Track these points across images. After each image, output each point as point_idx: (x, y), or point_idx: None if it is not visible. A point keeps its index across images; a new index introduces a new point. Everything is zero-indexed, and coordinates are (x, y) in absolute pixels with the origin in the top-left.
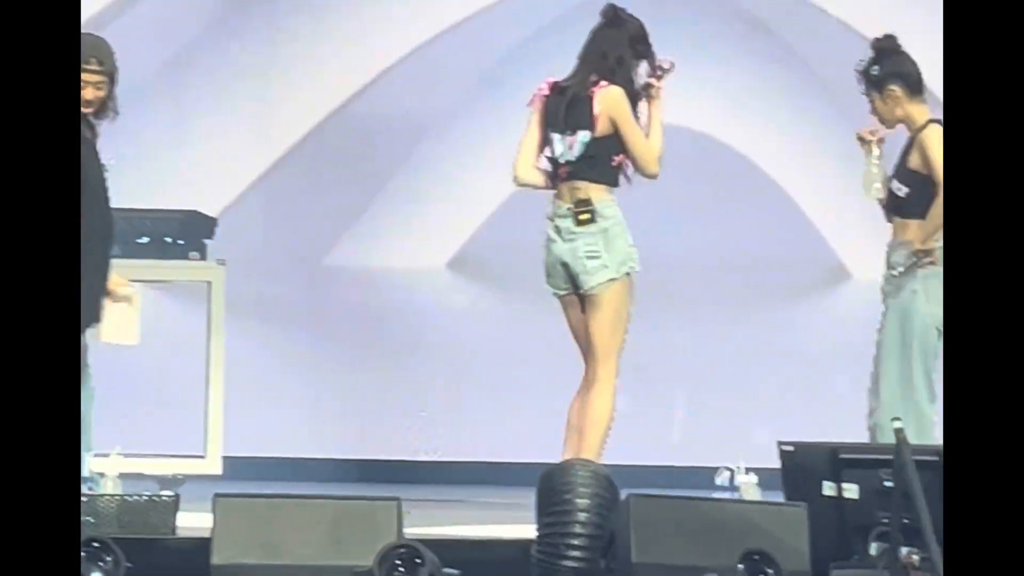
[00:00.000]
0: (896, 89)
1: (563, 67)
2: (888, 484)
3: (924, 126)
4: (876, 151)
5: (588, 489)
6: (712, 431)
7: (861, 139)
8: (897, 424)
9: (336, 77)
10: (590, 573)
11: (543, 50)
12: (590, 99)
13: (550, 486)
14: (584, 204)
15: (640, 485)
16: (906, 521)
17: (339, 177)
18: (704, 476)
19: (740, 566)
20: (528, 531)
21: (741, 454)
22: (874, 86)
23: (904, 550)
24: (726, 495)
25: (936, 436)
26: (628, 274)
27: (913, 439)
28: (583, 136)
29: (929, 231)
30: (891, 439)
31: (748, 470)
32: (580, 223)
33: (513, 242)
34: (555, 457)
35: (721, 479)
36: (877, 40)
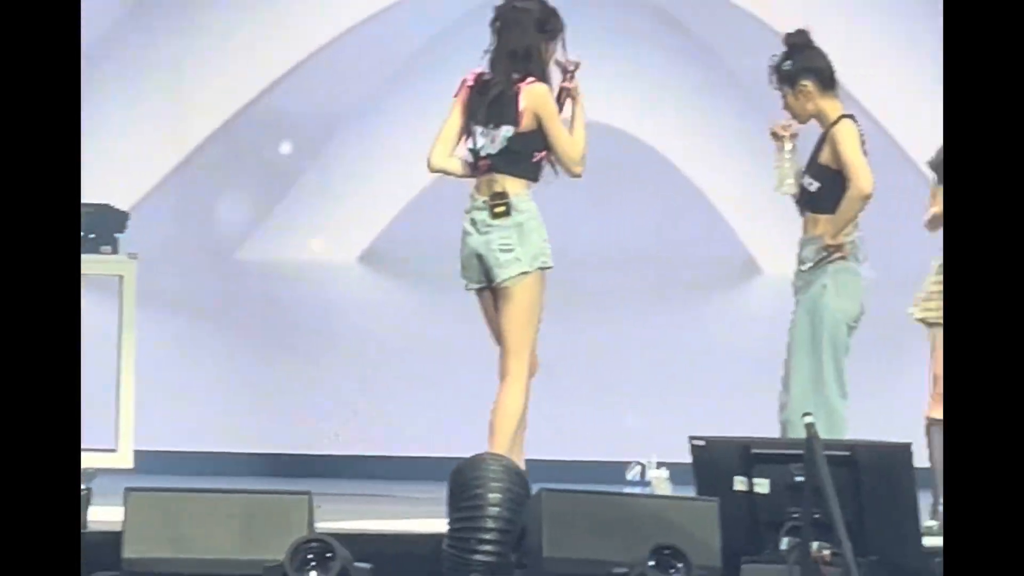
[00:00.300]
0: (808, 84)
1: (472, 62)
2: (799, 479)
3: (836, 121)
4: (788, 146)
5: (499, 483)
6: (623, 426)
7: (774, 134)
8: (808, 419)
9: (247, 72)
10: (501, 567)
11: (452, 46)
12: (516, 94)
13: (461, 481)
14: (500, 197)
15: (551, 480)
16: (817, 516)
17: (251, 171)
18: (615, 471)
19: (650, 561)
20: (440, 525)
21: (652, 449)
22: (786, 81)
23: (815, 545)
24: (637, 490)
25: (846, 431)
26: (541, 269)
27: (824, 434)
28: (506, 131)
29: (839, 226)
30: (802, 434)
31: (659, 465)
32: (495, 216)
33: (425, 236)
34: (467, 451)
35: (632, 474)
36: (789, 35)
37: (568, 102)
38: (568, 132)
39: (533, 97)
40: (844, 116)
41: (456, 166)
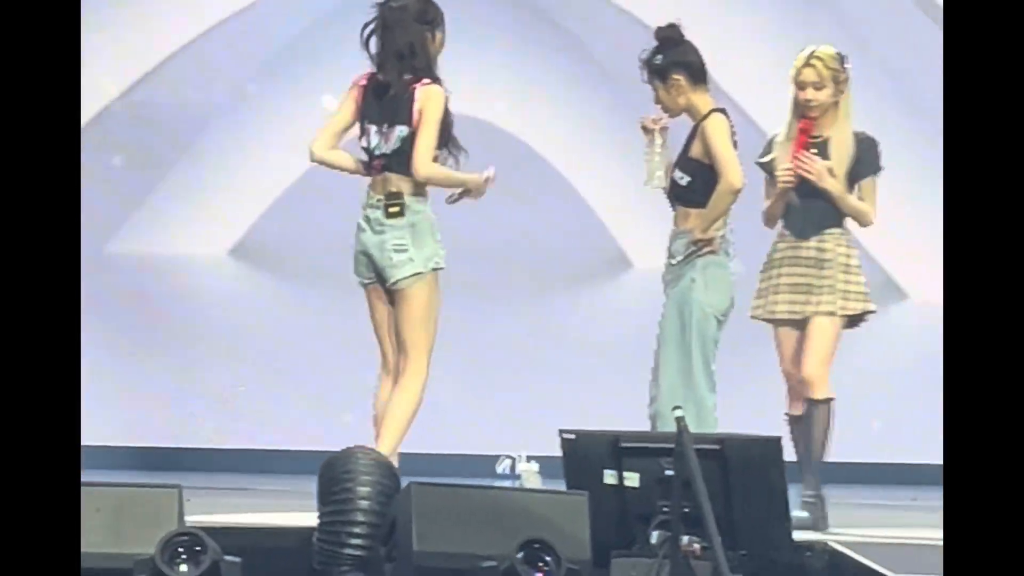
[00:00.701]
0: (680, 78)
1: (341, 58)
2: (669, 473)
3: (707, 115)
4: (659, 140)
5: (369, 477)
6: (493, 419)
7: (644, 128)
8: (678, 413)
9: (115, 66)
10: (371, 561)
11: (321, 40)
12: (411, 95)
13: (331, 474)
14: (395, 197)
15: (422, 473)
16: (686, 509)
17: (121, 164)
18: (486, 464)
19: (519, 554)
20: (310, 519)
21: (522, 442)
22: (658, 75)
23: (685, 538)
24: (507, 483)
25: (716, 424)
26: (435, 270)
27: (693, 427)
28: (400, 131)
29: (710, 220)
30: (672, 428)
31: (529, 458)
32: (390, 215)
33: (295, 230)
34: (338, 445)
35: (502, 467)
36: (660, 29)
37: None
38: (429, 143)
39: (424, 98)
40: (715, 110)
41: (337, 159)
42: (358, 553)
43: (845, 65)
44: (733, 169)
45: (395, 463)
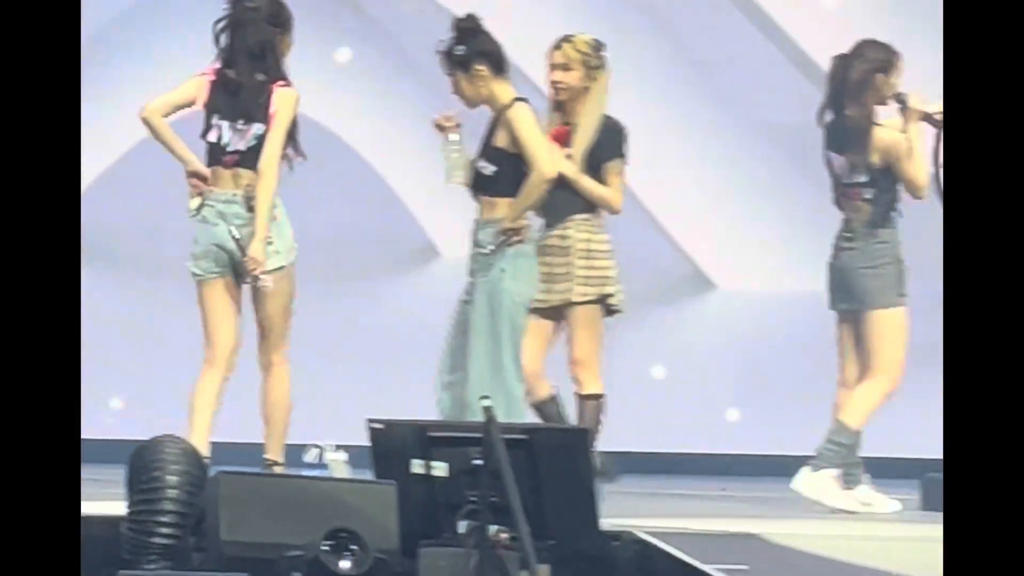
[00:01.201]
0: (483, 68)
1: (153, 46)
2: (477, 462)
3: (510, 105)
4: (454, 136)
5: (177, 466)
6: (302, 408)
7: (438, 126)
8: (486, 402)
9: None
10: (179, 550)
11: (134, 29)
12: (269, 95)
13: (140, 464)
14: (254, 192)
15: (233, 462)
16: (494, 499)
17: None
18: (293, 453)
19: (326, 544)
20: (119, 508)
21: (331, 432)
22: (460, 66)
23: (493, 528)
24: (315, 473)
25: (524, 415)
26: (292, 263)
27: (502, 417)
28: (257, 129)
29: (520, 209)
30: (480, 417)
31: (338, 447)
32: (252, 210)
33: (111, 220)
34: (147, 434)
35: (310, 456)
36: (460, 20)
37: None
38: (280, 144)
39: (280, 100)
40: (518, 99)
41: (167, 132)
42: (166, 542)
43: (601, 52)
44: (545, 158)
45: (206, 452)
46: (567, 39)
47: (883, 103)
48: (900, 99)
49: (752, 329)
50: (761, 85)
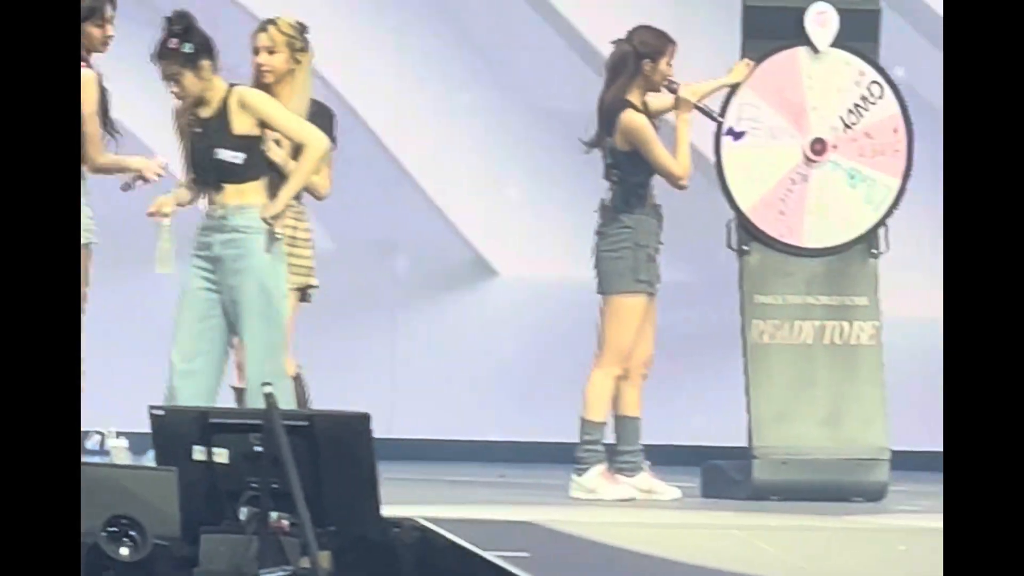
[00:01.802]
0: (208, 63)
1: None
2: (258, 449)
3: (231, 89)
4: (167, 223)
5: None
6: (84, 395)
7: (151, 214)
8: (267, 389)
9: None
10: None
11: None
12: None
13: None
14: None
15: None
16: (275, 486)
17: None
18: None
19: (105, 531)
20: None
21: (112, 418)
22: (189, 63)
23: (274, 515)
24: (96, 459)
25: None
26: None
27: (283, 404)
28: None
29: (293, 190)
30: (261, 404)
31: (119, 434)
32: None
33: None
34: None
35: (92, 443)
36: (178, 17)
37: None
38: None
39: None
40: (234, 85)
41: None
42: None
43: (305, 35)
44: (313, 130)
45: None
46: (271, 21)
47: (655, 89)
48: (671, 87)
49: (533, 317)
50: (543, 71)
